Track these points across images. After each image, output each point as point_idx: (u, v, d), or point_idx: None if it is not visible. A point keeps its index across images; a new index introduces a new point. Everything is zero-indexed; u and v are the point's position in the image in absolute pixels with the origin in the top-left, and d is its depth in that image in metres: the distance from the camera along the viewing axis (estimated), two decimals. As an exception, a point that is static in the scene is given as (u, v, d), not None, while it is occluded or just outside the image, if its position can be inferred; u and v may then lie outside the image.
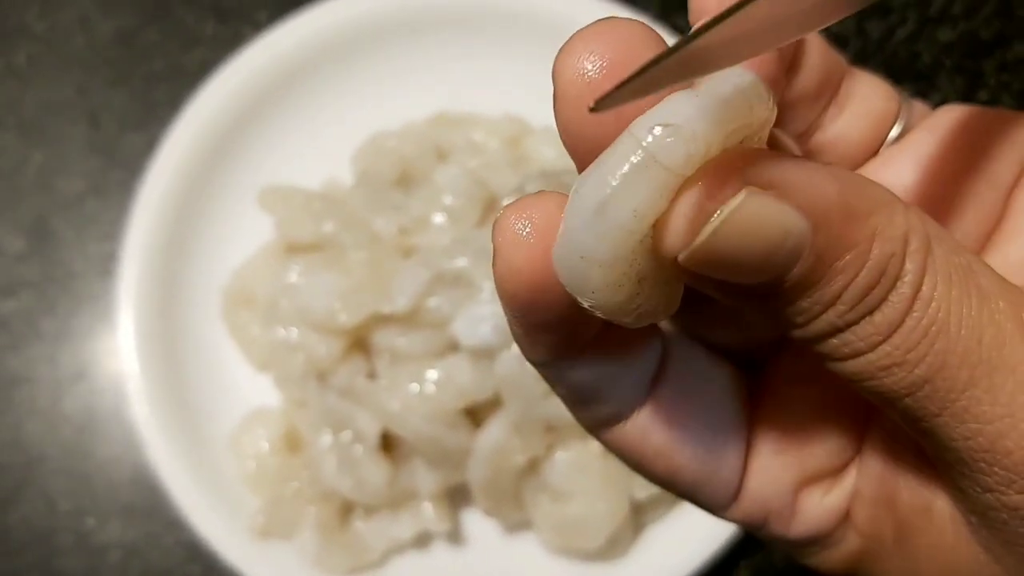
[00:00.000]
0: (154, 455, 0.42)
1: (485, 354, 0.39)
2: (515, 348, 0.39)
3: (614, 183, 0.15)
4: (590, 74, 0.16)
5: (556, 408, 0.39)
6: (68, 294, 0.48)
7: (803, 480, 0.20)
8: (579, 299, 0.16)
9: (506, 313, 0.18)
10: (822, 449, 0.20)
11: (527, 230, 0.16)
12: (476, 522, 0.43)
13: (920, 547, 0.19)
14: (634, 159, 0.15)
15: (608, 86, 0.14)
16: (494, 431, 0.39)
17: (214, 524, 0.41)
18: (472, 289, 0.39)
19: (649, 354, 0.20)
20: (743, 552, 0.43)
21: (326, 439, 0.41)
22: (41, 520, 0.46)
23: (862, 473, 0.20)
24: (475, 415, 0.40)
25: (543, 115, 0.46)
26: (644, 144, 0.15)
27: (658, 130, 0.15)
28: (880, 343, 0.16)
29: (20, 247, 0.49)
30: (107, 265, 0.47)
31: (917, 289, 0.16)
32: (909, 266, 0.16)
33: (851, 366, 0.16)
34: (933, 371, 0.16)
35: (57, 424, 0.47)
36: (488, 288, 0.39)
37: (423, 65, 0.47)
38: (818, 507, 0.20)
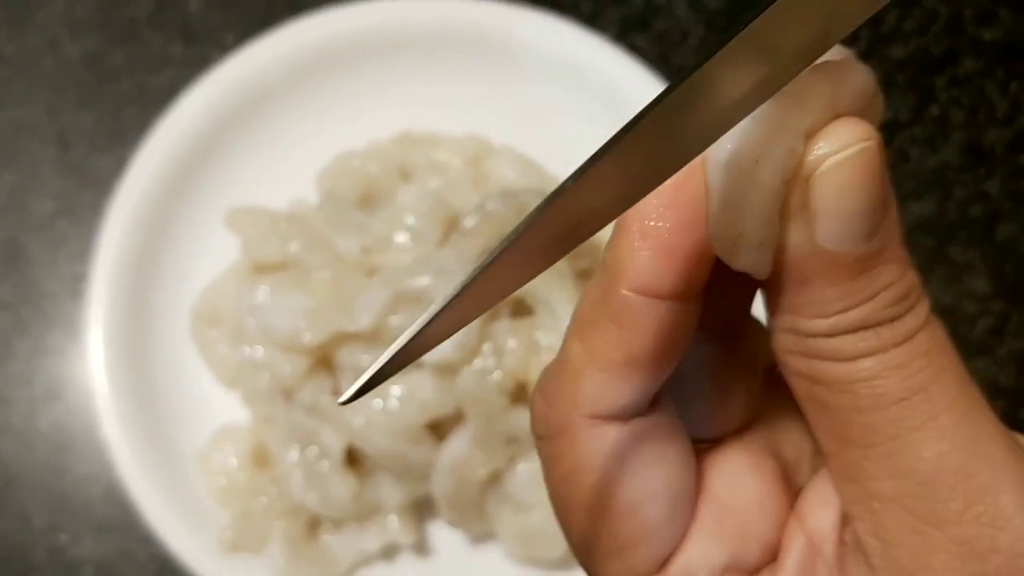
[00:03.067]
0: (125, 472, 0.42)
1: (447, 370, 0.40)
2: (476, 364, 0.40)
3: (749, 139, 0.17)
4: None
5: (516, 421, 0.40)
6: (40, 314, 0.49)
7: (728, 568, 0.20)
8: (738, 235, 0.18)
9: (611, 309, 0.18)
10: (752, 542, 0.20)
11: (662, 223, 0.18)
12: (442, 533, 0.44)
13: None
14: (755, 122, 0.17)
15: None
16: (457, 445, 0.41)
17: (185, 539, 0.42)
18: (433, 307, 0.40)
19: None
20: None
21: (293, 455, 0.41)
22: (16, 536, 0.47)
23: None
24: (438, 429, 0.41)
25: (504, 134, 0.47)
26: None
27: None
28: (899, 344, 0.18)
29: (-8, 268, 0.49)
30: (79, 285, 0.48)
31: (928, 318, 0.18)
32: (925, 301, 0.18)
33: (861, 365, 0.18)
34: (930, 380, 0.18)
35: (31, 442, 0.47)
36: (449, 306, 0.40)
37: (388, 86, 0.48)
38: None
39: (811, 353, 0.18)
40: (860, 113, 0.17)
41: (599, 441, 0.19)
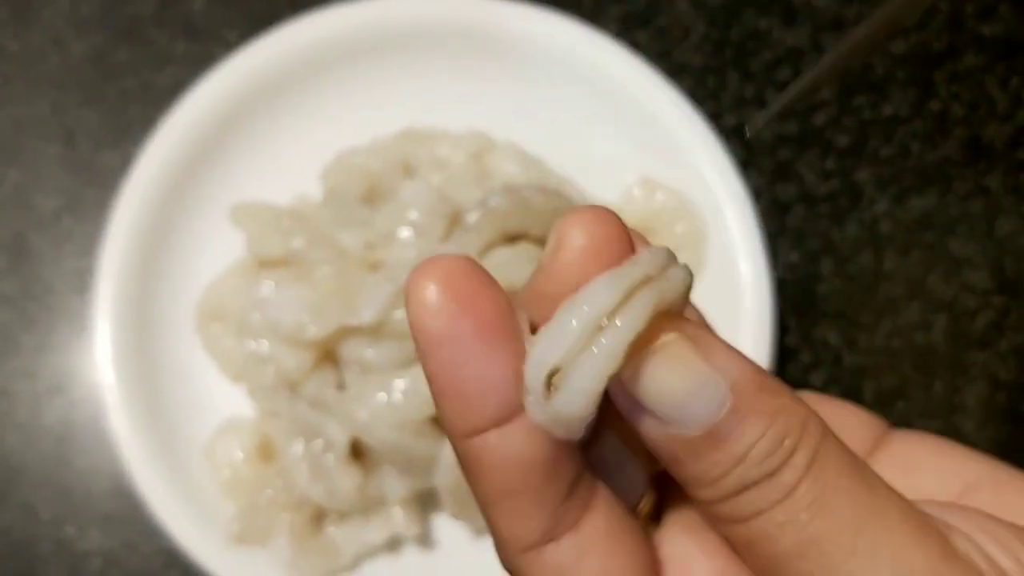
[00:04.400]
0: (131, 465, 0.43)
1: (450, 364, 0.40)
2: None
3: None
4: None
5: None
6: (46, 309, 0.49)
7: None
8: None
9: None
10: None
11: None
12: (445, 526, 0.45)
13: None
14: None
15: None
16: (460, 438, 0.41)
17: (190, 531, 0.42)
18: (437, 301, 0.40)
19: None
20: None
21: (298, 448, 0.42)
22: (22, 529, 0.47)
23: None
24: (441, 423, 0.42)
25: (506, 130, 0.47)
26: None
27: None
28: (781, 501, 0.18)
29: (-2, 263, 0.50)
30: (84, 280, 0.48)
31: (812, 460, 0.18)
32: (808, 440, 0.18)
33: (753, 526, 0.18)
34: (822, 532, 0.17)
35: (36, 436, 0.48)
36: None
37: (390, 82, 0.49)
38: None
39: (714, 518, 0.19)
40: (673, 307, 0.18)
41: (546, 568, 0.19)
